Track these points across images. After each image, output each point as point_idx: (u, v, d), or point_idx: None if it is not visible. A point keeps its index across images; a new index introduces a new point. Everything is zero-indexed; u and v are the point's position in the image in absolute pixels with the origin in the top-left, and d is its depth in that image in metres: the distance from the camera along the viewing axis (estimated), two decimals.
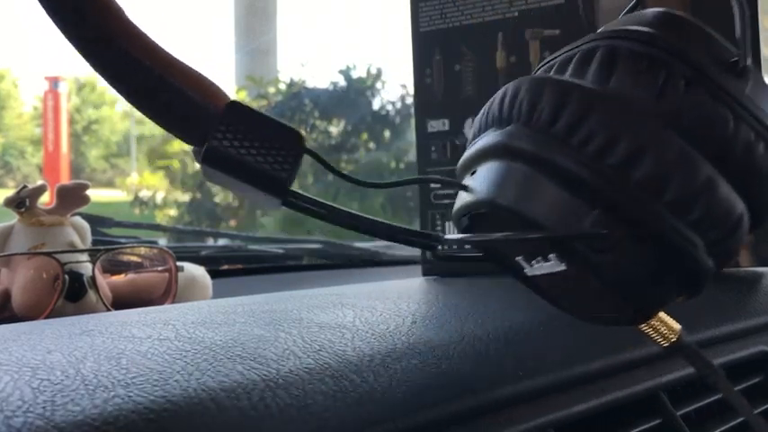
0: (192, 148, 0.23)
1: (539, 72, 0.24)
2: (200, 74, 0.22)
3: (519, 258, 0.23)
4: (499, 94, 0.23)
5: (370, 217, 0.23)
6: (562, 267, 0.22)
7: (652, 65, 0.21)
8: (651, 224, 0.20)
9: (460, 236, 0.24)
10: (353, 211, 0.23)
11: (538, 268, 0.23)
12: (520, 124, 0.21)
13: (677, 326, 0.24)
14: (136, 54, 0.21)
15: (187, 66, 0.22)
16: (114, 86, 0.22)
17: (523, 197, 0.21)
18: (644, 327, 0.23)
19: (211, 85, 0.22)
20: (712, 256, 0.20)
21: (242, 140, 0.21)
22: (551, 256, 0.22)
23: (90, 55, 0.21)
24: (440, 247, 0.24)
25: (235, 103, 0.22)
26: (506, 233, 0.22)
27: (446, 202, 0.50)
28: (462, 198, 0.24)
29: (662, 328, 0.24)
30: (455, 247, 0.24)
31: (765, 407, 0.37)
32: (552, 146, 0.20)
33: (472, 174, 0.23)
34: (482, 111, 0.24)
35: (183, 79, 0.21)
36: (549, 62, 0.24)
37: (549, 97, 0.21)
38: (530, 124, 0.21)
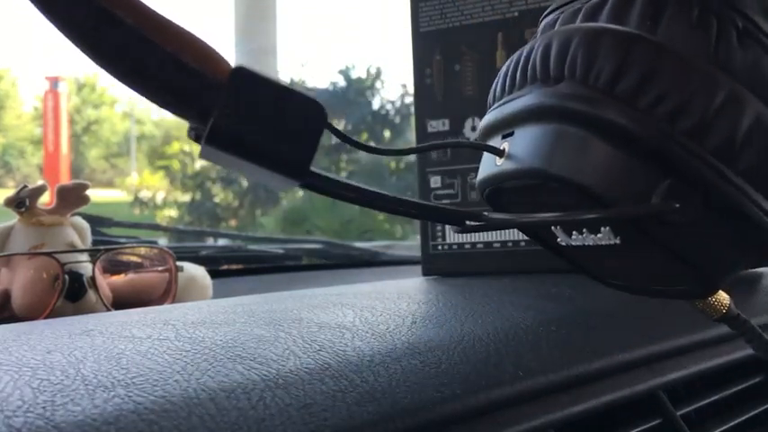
0: (188, 126, 0.19)
1: (561, 18, 0.21)
2: (196, 37, 0.18)
3: (555, 228, 0.21)
4: (538, 45, 0.20)
5: (399, 196, 0.20)
6: (616, 241, 0.19)
7: (703, 12, 0.18)
8: (731, 196, 0.18)
9: (507, 216, 0.21)
10: (380, 191, 0.20)
11: (580, 239, 0.20)
12: (575, 82, 0.18)
13: (727, 297, 0.22)
14: (115, 11, 0.17)
15: (180, 27, 0.18)
16: (90, 54, 0.18)
17: (581, 166, 0.18)
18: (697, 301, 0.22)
19: (211, 49, 0.18)
20: None
21: (252, 115, 0.18)
22: (605, 228, 0.19)
23: (61, 17, 0.17)
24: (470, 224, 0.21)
25: (241, 70, 0.18)
26: (569, 213, 0.19)
27: (446, 201, 0.50)
28: (495, 165, 0.21)
29: (713, 301, 0.22)
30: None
31: (765, 407, 0.37)
32: (617, 108, 0.18)
33: (505, 137, 0.20)
34: (510, 63, 0.21)
35: (176, 42, 0.18)
36: (565, 5, 0.21)
37: (611, 51, 0.18)
38: (587, 82, 0.18)
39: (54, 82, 8.70)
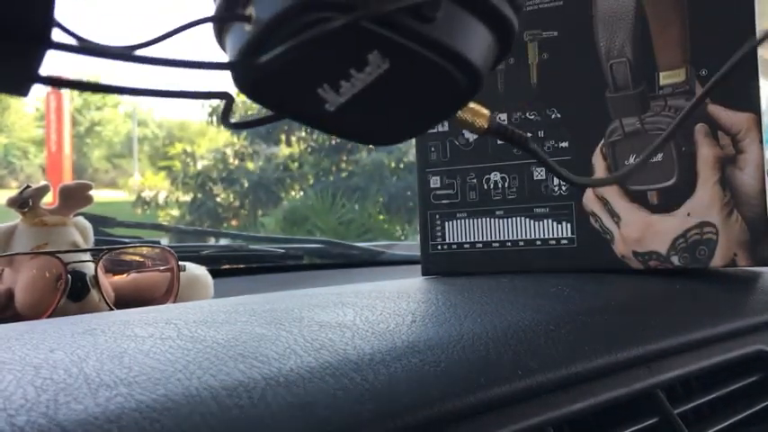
0: None
1: None
2: None
3: (322, 90, 0.19)
4: None
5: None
6: (386, 65, 0.18)
7: None
8: None
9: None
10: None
11: (350, 88, 0.19)
12: None
13: (486, 111, 0.24)
14: None
15: None
16: None
17: None
18: (461, 115, 0.23)
19: None
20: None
21: None
22: (371, 57, 0.18)
23: None
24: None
25: None
26: (313, 30, 0.17)
27: (445, 202, 0.51)
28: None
29: (477, 110, 0.23)
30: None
31: (763, 405, 0.37)
32: None
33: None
34: None
35: None
36: None
37: None
38: None
39: None
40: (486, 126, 0.25)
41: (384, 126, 0.21)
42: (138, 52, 0.19)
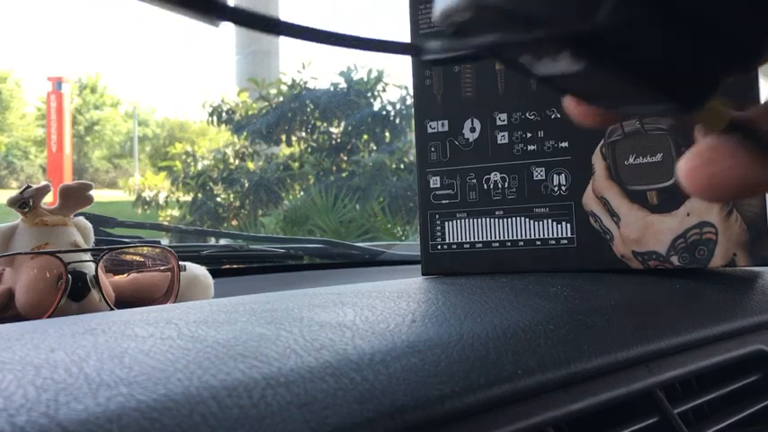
0: None
1: None
2: None
3: (525, 59, 0.19)
4: None
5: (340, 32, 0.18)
6: (579, 67, 0.18)
7: None
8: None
9: (451, 41, 0.19)
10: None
11: (548, 66, 0.19)
12: None
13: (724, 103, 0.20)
14: None
15: None
16: None
17: None
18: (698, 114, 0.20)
19: None
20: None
21: None
22: (564, 54, 0.18)
23: None
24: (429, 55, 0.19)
25: None
26: (507, 36, 0.17)
27: (445, 202, 0.51)
28: (440, 5, 0.19)
29: (715, 108, 0.20)
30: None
31: (763, 404, 0.37)
32: None
33: None
34: None
35: None
36: None
37: None
38: None
39: (57, 83, 8.71)
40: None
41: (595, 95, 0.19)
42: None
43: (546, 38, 0.17)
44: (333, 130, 5.45)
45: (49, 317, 0.47)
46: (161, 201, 6.10)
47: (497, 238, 0.49)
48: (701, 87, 0.18)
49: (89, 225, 0.57)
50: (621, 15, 0.16)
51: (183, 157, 5.92)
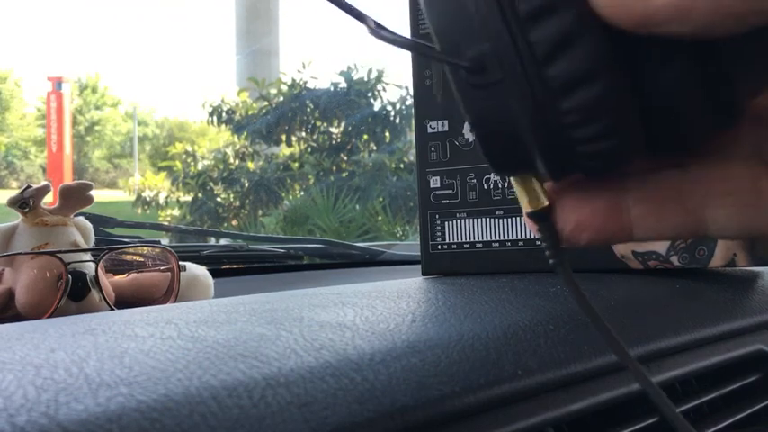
0: None
1: None
2: None
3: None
4: None
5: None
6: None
7: None
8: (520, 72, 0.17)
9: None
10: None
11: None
12: None
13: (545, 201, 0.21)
14: None
15: None
16: None
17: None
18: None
19: None
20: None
21: None
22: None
23: None
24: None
25: None
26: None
27: (445, 202, 0.51)
28: None
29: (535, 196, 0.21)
30: None
31: (763, 404, 0.37)
32: None
33: None
34: None
35: None
36: None
37: None
38: None
39: (57, 83, 8.72)
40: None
41: None
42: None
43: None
44: (333, 130, 5.45)
45: (49, 317, 0.47)
46: (161, 201, 6.10)
47: (497, 238, 0.49)
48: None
49: (89, 225, 0.57)
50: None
51: (183, 157, 5.92)
